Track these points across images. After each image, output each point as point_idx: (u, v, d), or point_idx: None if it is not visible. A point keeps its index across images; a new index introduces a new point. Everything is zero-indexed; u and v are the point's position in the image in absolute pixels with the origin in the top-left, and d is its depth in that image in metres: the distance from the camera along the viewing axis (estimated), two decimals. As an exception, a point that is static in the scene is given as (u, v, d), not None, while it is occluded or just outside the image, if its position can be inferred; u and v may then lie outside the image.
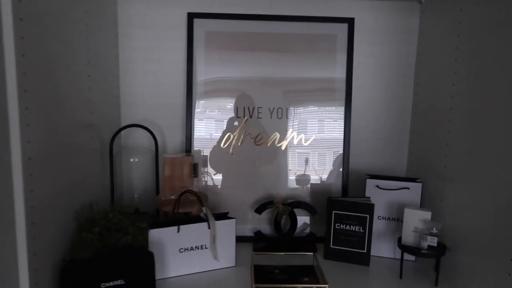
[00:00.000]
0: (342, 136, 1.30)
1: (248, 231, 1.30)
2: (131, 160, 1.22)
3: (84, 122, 1.03)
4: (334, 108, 1.30)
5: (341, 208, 1.16)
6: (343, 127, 1.30)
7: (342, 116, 1.30)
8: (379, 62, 1.32)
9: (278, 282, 1.01)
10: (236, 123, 1.29)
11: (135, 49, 1.30)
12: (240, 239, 1.27)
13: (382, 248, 1.20)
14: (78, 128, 1.00)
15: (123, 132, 1.31)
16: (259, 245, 1.25)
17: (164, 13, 1.28)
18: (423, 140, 1.25)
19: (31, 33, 0.77)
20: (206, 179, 1.29)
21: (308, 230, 1.30)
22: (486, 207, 0.92)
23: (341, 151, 1.31)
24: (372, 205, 1.13)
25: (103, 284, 0.89)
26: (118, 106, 1.30)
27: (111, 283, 0.90)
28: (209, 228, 1.08)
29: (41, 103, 0.81)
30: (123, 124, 1.30)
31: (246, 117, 1.29)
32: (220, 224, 1.10)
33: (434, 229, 1.05)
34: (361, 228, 1.15)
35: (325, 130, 1.31)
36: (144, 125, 1.24)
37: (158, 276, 1.03)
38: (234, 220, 1.11)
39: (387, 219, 1.20)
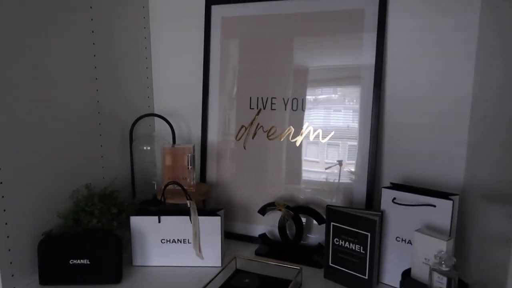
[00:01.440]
0: (369, 134, 1.07)
1: (258, 231, 1.20)
2: (144, 148, 1.26)
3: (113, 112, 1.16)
4: (359, 100, 1.08)
5: (340, 221, 0.96)
6: (369, 123, 1.07)
7: (370, 109, 1.06)
8: (425, 39, 1.03)
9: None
10: (249, 115, 1.20)
11: (160, 40, 1.33)
12: (246, 239, 1.20)
13: (397, 277, 0.94)
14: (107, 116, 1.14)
15: (156, 122, 1.38)
16: (263, 249, 1.14)
17: (184, 1, 1.28)
18: (486, 144, 0.92)
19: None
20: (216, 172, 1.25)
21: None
22: None
23: (366, 152, 1.08)
24: (374, 221, 0.90)
25: (71, 260, 0.95)
26: (150, 96, 1.37)
27: (78, 261, 0.95)
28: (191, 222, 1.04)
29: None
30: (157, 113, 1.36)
31: (260, 108, 1.18)
32: (203, 220, 1.04)
33: (444, 265, 0.76)
34: (361, 248, 0.92)
35: (347, 126, 1.10)
36: (164, 116, 1.27)
37: (138, 262, 1.06)
38: (219, 218, 1.04)
39: (407, 242, 0.93)
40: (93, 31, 1.11)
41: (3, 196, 0.89)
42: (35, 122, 0.96)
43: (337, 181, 1.11)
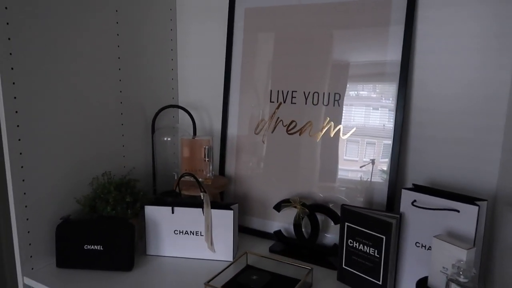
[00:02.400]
0: (392, 132, 1.01)
1: (274, 227, 1.17)
2: (165, 139, 1.27)
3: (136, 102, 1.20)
4: (384, 96, 1.02)
5: (355, 221, 0.91)
6: (393, 121, 1.00)
7: (394, 106, 1.00)
8: (460, 31, 0.95)
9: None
10: (268, 108, 1.17)
11: (187, 32, 1.33)
12: (263, 235, 1.18)
13: (415, 285, 0.88)
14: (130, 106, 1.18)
15: (180, 114, 1.39)
16: (277, 246, 1.11)
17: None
18: None
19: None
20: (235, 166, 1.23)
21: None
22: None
23: (389, 150, 1.01)
24: (390, 224, 0.84)
25: (86, 245, 0.98)
26: (174, 88, 1.38)
27: (92, 247, 0.98)
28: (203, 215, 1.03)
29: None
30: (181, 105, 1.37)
31: (280, 102, 1.15)
32: (216, 213, 1.03)
33: (462, 276, 0.70)
34: (376, 251, 0.87)
35: (370, 122, 1.04)
36: (189, 108, 1.27)
37: (152, 252, 1.07)
38: (232, 212, 1.03)
39: (427, 249, 0.87)
40: (117, 22, 1.13)
41: (23, 180, 0.93)
42: (58, 110, 0.99)
43: (358, 180, 1.06)
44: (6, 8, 0.85)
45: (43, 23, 0.93)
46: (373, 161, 1.03)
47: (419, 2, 0.97)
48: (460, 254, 0.73)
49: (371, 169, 1.04)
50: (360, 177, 1.05)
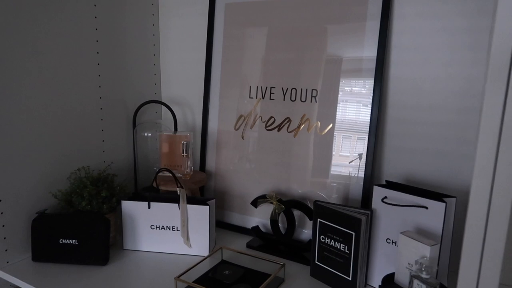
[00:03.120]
0: (368, 128, 1.01)
1: (253, 223, 1.17)
2: (145, 134, 1.27)
3: (117, 98, 1.21)
4: (360, 92, 1.01)
5: (326, 217, 0.91)
6: (369, 116, 1.00)
7: (370, 102, 1.00)
8: (434, 26, 0.94)
9: (209, 284, 0.89)
10: (247, 104, 1.17)
11: (169, 27, 1.33)
12: (242, 231, 1.18)
13: (386, 281, 0.88)
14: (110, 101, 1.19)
15: (163, 109, 1.39)
16: (255, 241, 1.12)
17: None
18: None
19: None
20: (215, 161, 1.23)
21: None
22: None
23: (364, 147, 1.01)
24: (359, 220, 0.84)
25: (61, 240, 0.98)
26: (157, 83, 1.38)
27: (67, 241, 0.98)
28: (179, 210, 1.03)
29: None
30: (164, 100, 1.37)
31: (259, 98, 1.15)
32: (192, 209, 1.03)
33: (424, 272, 0.70)
34: (346, 247, 0.87)
35: (347, 118, 1.04)
36: (171, 104, 1.27)
37: (129, 246, 1.07)
38: (207, 207, 1.03)
39: (397, 245, 0.87)
40: (96, 17, 1.12)
41: (-3, 174, 0.93)
42: (34, 104, 0.99)
43: (336, 176, 1.06)
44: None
45: (18, 13, 0.93)
46: (360, 156, 1.03)
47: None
48: (424, 251, 0.73)
49: (348, 166, 1.04)
50: (338, 173, 1.05)
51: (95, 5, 1.12)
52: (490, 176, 0.45)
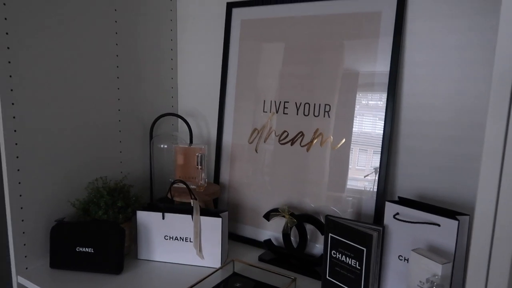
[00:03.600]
0: (380, 144, 1.01)
1: (266, 236, 1.18)
2: (161, 146, 1.30)
3: (134, 110, 1.25)
4: (376, 105, 1.02)
5: (338, 232, 0.91)
6: (382, 132, 1.00)
7: (383, 117, 1.00)
8: (447, 44, 0.95)
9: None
10: (261, 118, 1.18)
11: (186, 42, 1.37)
12: (255, 243, 1.19)
13: (397, 299, 0.87)
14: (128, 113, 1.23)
15: (179, 121, 1.42)
16: (267, 255, 1.12)
17: (210, 5, 1.30)
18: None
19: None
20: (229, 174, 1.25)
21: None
22: None
23: (377, 162, 1.01)
24: (370, 236, 0.84)
25: (77, 248, 1.01)
26: (174, 96, 1.41)
27: (83, 249, 1.01)
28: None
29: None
30: (180, 113, 1.40)
31: (272, 112, 1.17)
32: (205, 221, 1.05)
33: (435, 290, 0.70)
34: (357, 263, 0.87)
35: (360, 134, 1.04)
36: (187, 116, 1.31)
37: (143, 256, 1.09)
38: (220, 219, 1.04)
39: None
40: (116, 33, 1.17)
41: (19, 183, 0.97)
42: (56, 114, 1.03)
43: (349, 190, 1.06)
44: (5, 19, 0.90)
45: (43, 28, 0.98)
46: (376, 170, 1.03)
47: (407, 16, 0.98)
48: (436, 269, 0.73)
49: (363, 180, 1.04)
50: (352, 187, 1.06)
51: (116, 21, 1.16)
52: (495, 194, 0.45)
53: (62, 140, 1.05)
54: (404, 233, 0.87)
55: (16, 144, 0.95)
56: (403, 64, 1.00)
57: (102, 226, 1.01)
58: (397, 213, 0.87)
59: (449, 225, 0.80)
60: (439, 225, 0.81)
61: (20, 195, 0.97)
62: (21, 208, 0.98)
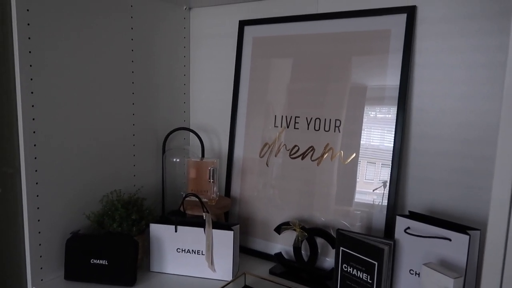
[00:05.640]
0: (391, 158, 1.02)
1: (276, 249, 1.19)
2: (174, 160, 1.33)
3: (148, 125, 1.29)
4: (383, 122, 1.04)
5: (349, 246, 0.92)
6: (391, 147, 1.02)
7: (393, 132, 1.02)
8: (456, 61, 0.97)
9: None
10: (272, 133, 1.21)
11: (199, 58, 1.41)
12: (266, 257, 1.20)
13: (409, 314, 0.88)
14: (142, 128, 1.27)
15: (191, 136, 1.45)
16: (278, 268, 1.13)
17: (222, 23, 1.34)
18: None
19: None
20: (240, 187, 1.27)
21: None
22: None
23: (388, 176, 1.03)
24: (382, 250, 0.85)
25: (92, 260, 1.03)
26: (186, 111, 1.44)
27: (98, 261, 1.03)
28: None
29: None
30: (192, 127, 1.43)
31: (283, 127, 1.19)
32: (217, 234, 1.06)
33: (447, 305, 0.70)
34: (368, 277, 0.88)
35: (370, 149, 1.06)
36: (199, 131, 1.33)
37: (155, 269, 1.11)
38: (232, 232, 1.06)
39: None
40: (132, 50, 1.21)
41: (37, 195, 0.99)
42: (73, 130, 1.06)
43: (359, 204, 1.07)
44: (28, 38, 0.94)
45: (61, 47, 1.02)
46: (384, 184, 1.04)
47: (416, 34, 1.00)
48: (447, 283, 0.73)
49: (372, 194, 1.05)
50: (361, 201, 1.07)
51: (132, 39, 1.20)
52: (507, 210, 0.46)
53: (78, 154, 1.08)
54: (415, 247, 0.88)
55: (36, 158, 0.98)
56: (412, 80, 1.02)
57: (117, 239, 1.03)
58: (408, 227, 0.88)
59: (460, 239, 0.81)
60: (450, 240, 0.82)
61: (38, 208, 1.00)
62: (38, 220, 1.00)
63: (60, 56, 1.01)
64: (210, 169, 1.17)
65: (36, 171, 0.99)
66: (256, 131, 1.24)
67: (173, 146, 1.37)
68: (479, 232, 0.82)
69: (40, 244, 1.01)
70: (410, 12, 0.99)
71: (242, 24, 1.27)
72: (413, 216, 0.91)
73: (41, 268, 1.02)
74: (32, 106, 0.96)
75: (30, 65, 0.95)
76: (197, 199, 1.12)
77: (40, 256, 1.02)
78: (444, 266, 0.81)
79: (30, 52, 0.95)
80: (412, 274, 0.88)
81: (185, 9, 1.38)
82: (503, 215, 0.49)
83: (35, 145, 0.98)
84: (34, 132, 0.97)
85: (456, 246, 0.81)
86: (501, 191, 0.50)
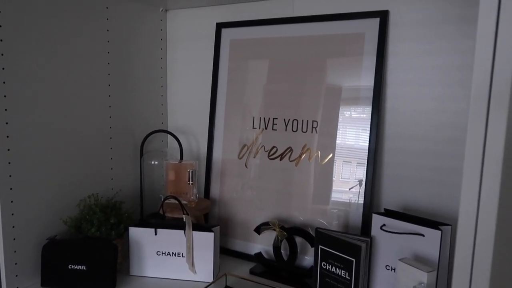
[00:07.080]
0: (366, 157, 1.05)
1: (256, 250, 1.20)
2: (152, 162, 1.32)
3: (125, 127, 1.27)
4: (359, 122, 1.07)
5: (328, 244, 0.95)
6: (367, 146, 1.05)
7: (368, 132, 1.05)
8: (426, 63, 1.01)
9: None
10: (250, 134, 1.22)
11: (176, 60, 1.40)
12: (246, 257, 1.21)
13: (386, 308, 0.91)
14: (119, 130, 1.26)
15: (169, 138, 1.44)
16: (258, 268, 1.15)
17: (199, 25, 1.34)
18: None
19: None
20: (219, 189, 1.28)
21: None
22: None
23: (364, 175, 1.06)
24: (359, 247, 0.88)
25: (70, 265, 1.01)
26: (164, 113, 1.43)
27: (76, 266, 1.01)
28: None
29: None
30: (170, 130, 1.43)
31: (262, 128, 1.20)
32: (197, 235, 1.07)
33: (421, 298, 0.73)
34: (347, 274, 0.90)
35: (346, 144, 1.09)
36: (177, 133, 1.33)
37: (135, 272, 1.10)
38: (212, 234, 1.06)
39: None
40: (108, 52, 1.19)
41: (12, 201, 0.97)
42: (47, 133, 1.04)
43: (336, 203, 1.10)
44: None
45: (35, 46, 1.00)
46: (360, 182, 1.07)
47: (389, 37, 1.04)
48: (422, 277, 0.76)
49: (348, 193, 1.08)
50: (338, 200, 1.09)
51: (108, 41, 1.19)
52: (475, 206, 0.49)
53: (54, 158, 1.06)
54: (390, 243, 0.91)
55: (9, 163, 0.96)
56: (386, 82, 1.05)
57: (95, 243, 1.02)
58: (384, 225, 0.91)
59: (432, 235, 0.84)
60: (423, 235, 0.85)
61: (12, 214, 0.98)
62: (13, 227, 0.98)
63: (34, 59, 0.99)
64: (189, 171, 1.17)
65: (10, 176, 0.96)
66: (234, 132, 1.25)
67: (151, 149, 1.36)
68: (451, 228, 0.86)
69: (15, 251, 0.99)
70: (383, 16, 1.03)
71: (220, 26, 1.28)
72: (388, 213, 0.94)
73: (16, 276, 1.00)
74: (6, 110, 0.94)
75: (3, 68, 0.93)
76: (176, 202, 1.12)
77: (16, 264, 0.99)
78: (419, 260, 0.84)
79: (2, 54, 0.92)
80: (388, 269, 0.91)
81: (162, 11, 1.38)
82: (472, 211, 0.52)
83: (8, 150, 0.95)
84: (7, 136, 0.95)
85: (429, 241, 0.85)
86: (470, 188, 0.53)
